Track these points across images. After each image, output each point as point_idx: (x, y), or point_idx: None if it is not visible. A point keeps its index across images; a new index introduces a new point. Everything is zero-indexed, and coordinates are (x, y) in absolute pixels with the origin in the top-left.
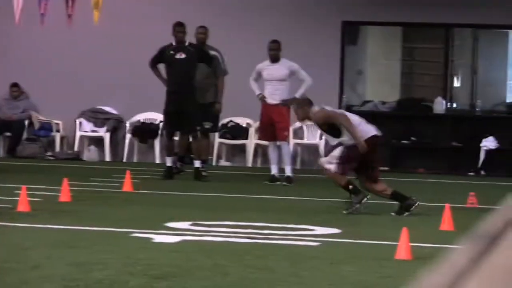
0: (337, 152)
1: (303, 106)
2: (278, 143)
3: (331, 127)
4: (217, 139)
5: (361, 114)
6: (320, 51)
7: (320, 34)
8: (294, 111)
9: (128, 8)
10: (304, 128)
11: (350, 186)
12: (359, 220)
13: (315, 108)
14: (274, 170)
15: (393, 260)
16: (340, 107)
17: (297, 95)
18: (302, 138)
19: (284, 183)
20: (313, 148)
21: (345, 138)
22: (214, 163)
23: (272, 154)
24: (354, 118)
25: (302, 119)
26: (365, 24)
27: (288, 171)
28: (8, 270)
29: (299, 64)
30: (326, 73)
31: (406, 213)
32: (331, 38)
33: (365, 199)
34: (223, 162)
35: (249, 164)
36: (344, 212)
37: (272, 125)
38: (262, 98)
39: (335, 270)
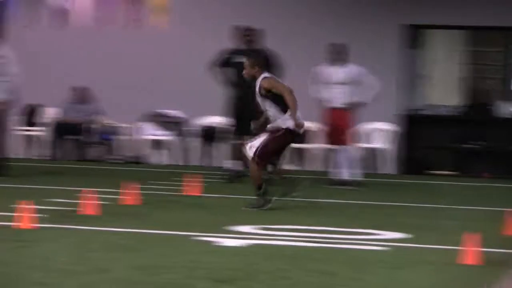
0: (258, 142)
1: (255, 66)
2: (343, 147)
3: (275, 96)
4: None
5: (422, 117)
6: (380, 54)
7: (379, 37)
8: (246, 65)
9: (192, 12)
10: (371, 132)
11: (262, 187)
12: (423, 225)
13: (265, 74)
14: (340, 174)
15: (460, 265)
16: (399, 111)
17: (365, 100)
18: (368, 142)
19: (351, 187)
20: (379, 152)
21: (286, 116)
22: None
23: (338, 158)
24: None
25: (248, 75)
26: (425, 28)
27: (354, 175)
28: (73, 273)
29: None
30: (386, 76)
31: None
32: (390, 41)
33: (267, 206)
34: (287, 166)
35: (315, 168)
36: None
37: (337, 129)
38: (325, 102)
39: (398, 275)
